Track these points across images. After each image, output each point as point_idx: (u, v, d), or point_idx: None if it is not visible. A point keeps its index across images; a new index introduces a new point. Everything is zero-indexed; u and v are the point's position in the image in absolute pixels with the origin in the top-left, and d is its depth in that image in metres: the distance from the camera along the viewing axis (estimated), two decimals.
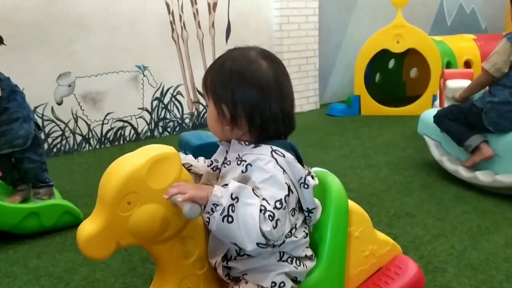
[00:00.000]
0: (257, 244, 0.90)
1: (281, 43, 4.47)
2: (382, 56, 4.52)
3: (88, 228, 0.95)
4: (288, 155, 0.99)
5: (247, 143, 1.02)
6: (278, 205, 0.92)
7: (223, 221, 0.90)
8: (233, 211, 0.90)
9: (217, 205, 0.90)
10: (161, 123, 3.90)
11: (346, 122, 4.15)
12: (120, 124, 3.67)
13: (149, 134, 3.83)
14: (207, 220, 0.93)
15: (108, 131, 3.62)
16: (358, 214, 1.26)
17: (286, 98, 1.03)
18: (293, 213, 1.02)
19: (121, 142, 3.70)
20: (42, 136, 3.35)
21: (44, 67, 3.27)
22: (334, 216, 1.14)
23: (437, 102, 3.50)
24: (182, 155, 1.08)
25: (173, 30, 3.83)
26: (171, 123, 3.97)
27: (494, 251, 1.79)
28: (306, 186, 1.01)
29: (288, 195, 0.96)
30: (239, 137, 1.03)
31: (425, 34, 4.27)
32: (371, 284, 1.28)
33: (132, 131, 3.74)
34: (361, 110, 4.45)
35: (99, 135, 3.59)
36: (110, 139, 3.64)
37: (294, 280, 1.06)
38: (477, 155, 2.34)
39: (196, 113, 4.12)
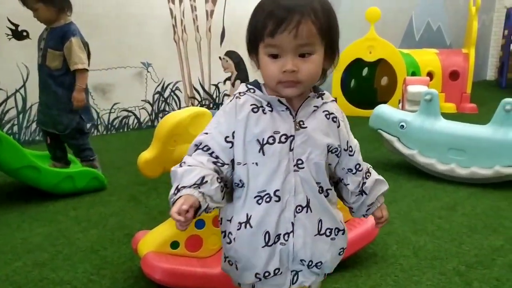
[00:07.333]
0: None
1: None
2: (357, 65, 5.07)
3: (146, 155, 1.40)
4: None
5: (312, 94, 1.00)
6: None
7: None
8: None
9: None
10: (160, 115, 4.36)
11: None
12: (125, 113, 4.13)
13: (149, 123, 4.29)
14: None
15: (114, 119, 4.07)
16: None
17: None
18: None
19: (125, 130, 4.15)
20: None
21: None
22: None
23: (400, 105, 4.08)
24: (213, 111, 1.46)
25: (174, 32, 4.32)
26: None
27: (431, 212, 2.34)
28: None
29: None
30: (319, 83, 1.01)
31: (394, 47, 4.83)
32: None
33: (135, 120, 4.20)
34: None
35: (106, 122, 4.03)
36: (116, 126, 4.09)
37: None
38: None
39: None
